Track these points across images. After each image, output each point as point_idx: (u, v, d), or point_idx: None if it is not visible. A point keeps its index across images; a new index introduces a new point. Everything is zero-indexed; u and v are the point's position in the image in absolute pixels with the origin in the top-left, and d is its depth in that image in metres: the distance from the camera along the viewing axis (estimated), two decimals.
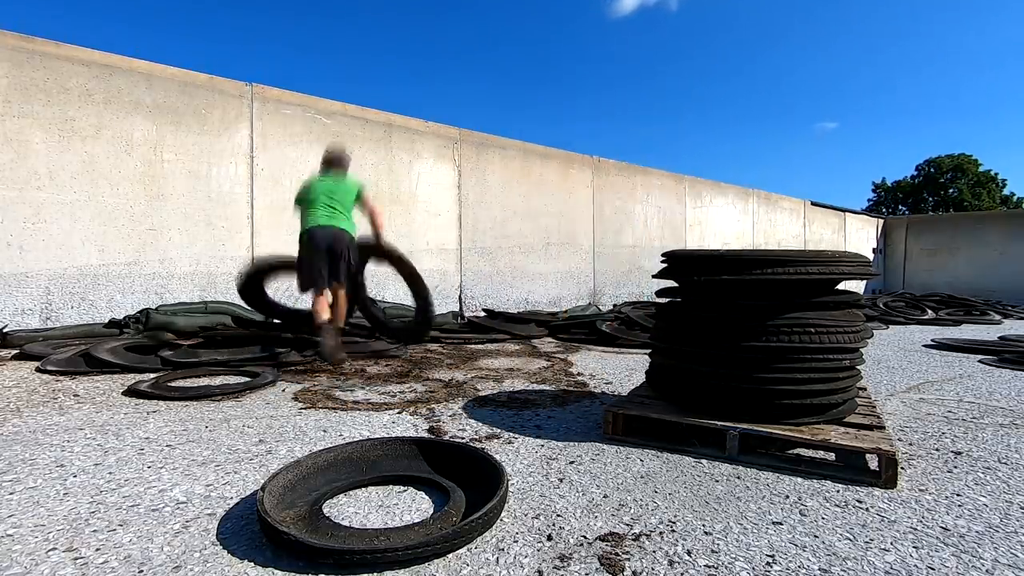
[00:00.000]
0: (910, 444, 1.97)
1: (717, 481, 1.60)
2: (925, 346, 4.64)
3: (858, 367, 1.90)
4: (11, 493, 1.43)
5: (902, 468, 1.68)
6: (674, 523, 1.34)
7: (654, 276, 2.35)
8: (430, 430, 2.06)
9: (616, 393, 2.72)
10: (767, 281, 1.80)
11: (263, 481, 1.38)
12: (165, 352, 3.24)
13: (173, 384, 2.70)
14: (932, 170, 38.79)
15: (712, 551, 1.21)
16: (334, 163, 3.59)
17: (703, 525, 1.33)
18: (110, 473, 1.57)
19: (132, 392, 2.49)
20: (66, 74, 4.03)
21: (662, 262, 2.23)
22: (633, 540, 1.25)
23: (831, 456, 1.80)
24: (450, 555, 1.16)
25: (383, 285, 5.67)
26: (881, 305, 7.31)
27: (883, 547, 1.23)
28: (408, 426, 2.12)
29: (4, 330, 3.60)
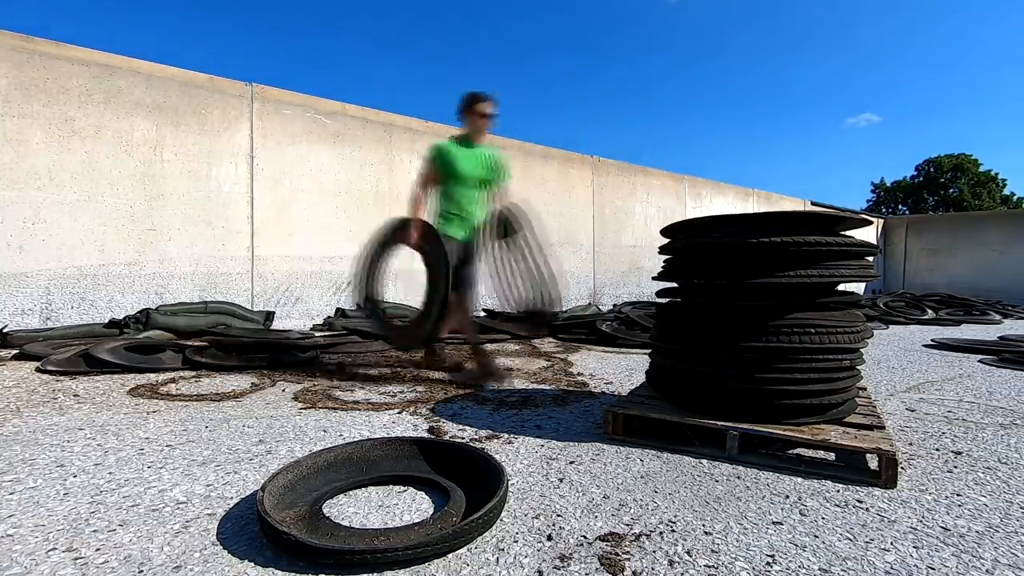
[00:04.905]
0: (910, 444, 1.97)
1: (717, 481, 1.60)
2: (925, 346, 4.64)
3: (858, 367, 1.90)
4: (11, 493, 1.43)
5: (902, 468, 1.68)
6: (674, 523, 1.34)
7: (654, 278, 2.35)
8: (430, 430, 2.06)
9: (616, 393, 2.72)
10: (768, 284, 1.80)
11: (263, 481, 1.38)
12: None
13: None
14: (932, 170, 38.82)
15: (712, 551, 1.21)
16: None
17: (703, 525, 1.33)
18: (110, 473, 1.57)
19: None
20: (66, 74, 4.03)
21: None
22: (633, 540, 1.25)
23: (831, 456, 1.80)
24: (450, 555, 1.16)
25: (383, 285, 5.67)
26: (881, 305, 7.31)
27: (883, 547, 1.23)
28: (408, 426, 2.12)
29: (4, 330, 3.60)
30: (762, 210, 10.70)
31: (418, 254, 2.97)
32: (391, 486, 1.52)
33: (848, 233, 1.97)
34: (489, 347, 4.29)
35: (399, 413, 2.29)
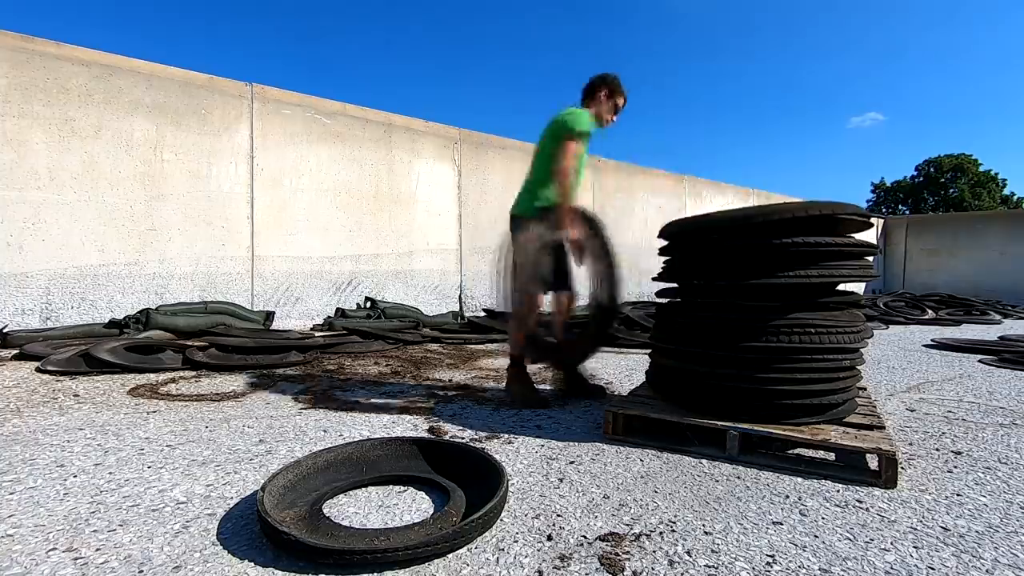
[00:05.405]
0: (910, 444, 1.97)
1: (717, 481, 1.60)
2: (925, 346, 4.64)
3: (858, 367, 1.90)
4: (11, 493, 1.43)
5: (902, 468, 1.68)
6: (674, 523, 1.34)
7: (654, 278, 2.35)
8: (430, 430, 2.06)
9: (616, 393, 2.71)
10: (768, 284, 1.80)
11: (263, 481, 1.38)
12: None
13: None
14: (932, 170, 38.81)
15: (712, 551, 1.21)
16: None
17: (703, 525, 1.33)
18: (110, 473, 1.57)
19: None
20: (66, 74, 4.03)
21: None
22: (633, 540, 1.25)
23: (831, 456, 1.80)
24: (450, 555, 1.16)
25: (383, 285, 5.67)
26: (881, 305, 7.31)
27: (883, 547, 1.23)
28: (408, 426, 2.12)
29: (4, 330, 3.60)
30: None
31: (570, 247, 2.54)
32: (391, 486, 1.52)
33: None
34: (489, 347, 4.30)
35: (399, 413, 2.29)
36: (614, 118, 2.63)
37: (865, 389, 2.28)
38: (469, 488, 1.44)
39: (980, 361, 3.84)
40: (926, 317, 6.81)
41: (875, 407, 2.03)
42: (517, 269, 2.49)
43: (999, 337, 5.15)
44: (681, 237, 2.14)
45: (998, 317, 7.25)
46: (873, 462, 1.70)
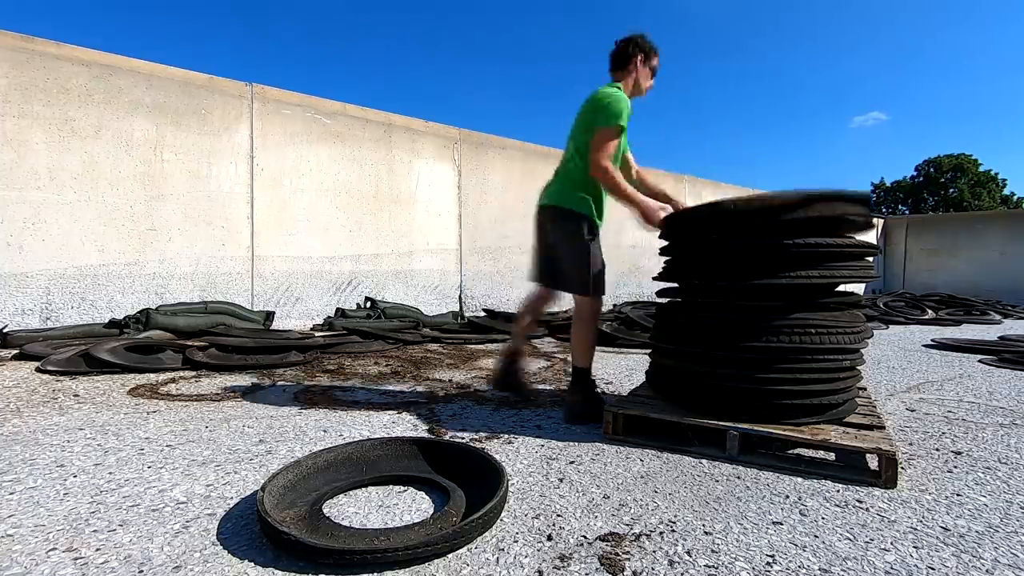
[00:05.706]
0: (910, 444, 1.97)
1: (717, 481, 1.60)
2: (925, 346, 4.64)
3: (858, 367, 1.90)
4: (11, 493, 1.43)
5: (902, 468, 1.68)
6: (674, 523, 1.34)
7: (654, 278, 2.35)
8: (430, 430, 2.06)
9: (616, 393, 2.71)
10: (768, 285, 1.80)
11: (263, 481, 1.38)
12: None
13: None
14: (932, 170, 38.84)
15: (712, 551, 1.21)
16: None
17: (703, 525, 1.33)
18: (110, 473, 1.57)
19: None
20: (66, 74, 4.03)
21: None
22: (633, 540, 1.25)
23: (831, 456, 1.80)
24: (450, 555, 1.16)
25: (383, 285, 5.67)
26: (881, 305, 7.30)
27: (883, 547, 1.23)
28: (408, 426, 2.12)
29: (4, 330, 3.60)
30: None
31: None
32: (391, 486, 1.52)
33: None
34: (489, 347, 4.30)
35: (399, 413, 2.29)
36: (652, 83, 2.43)
37: (865, 389, 2.28)
38: (469, 488, 1.44)
39: (980, 361, 3.84)
40: (926, 317, 6.81)
41: (875, 407, 2.03)
42: (568, 266, 2.27)
43: (999, 337, 5.15)
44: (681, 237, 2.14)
45: (998, 317, 7.25)
46: (873, 462, 1.70)
